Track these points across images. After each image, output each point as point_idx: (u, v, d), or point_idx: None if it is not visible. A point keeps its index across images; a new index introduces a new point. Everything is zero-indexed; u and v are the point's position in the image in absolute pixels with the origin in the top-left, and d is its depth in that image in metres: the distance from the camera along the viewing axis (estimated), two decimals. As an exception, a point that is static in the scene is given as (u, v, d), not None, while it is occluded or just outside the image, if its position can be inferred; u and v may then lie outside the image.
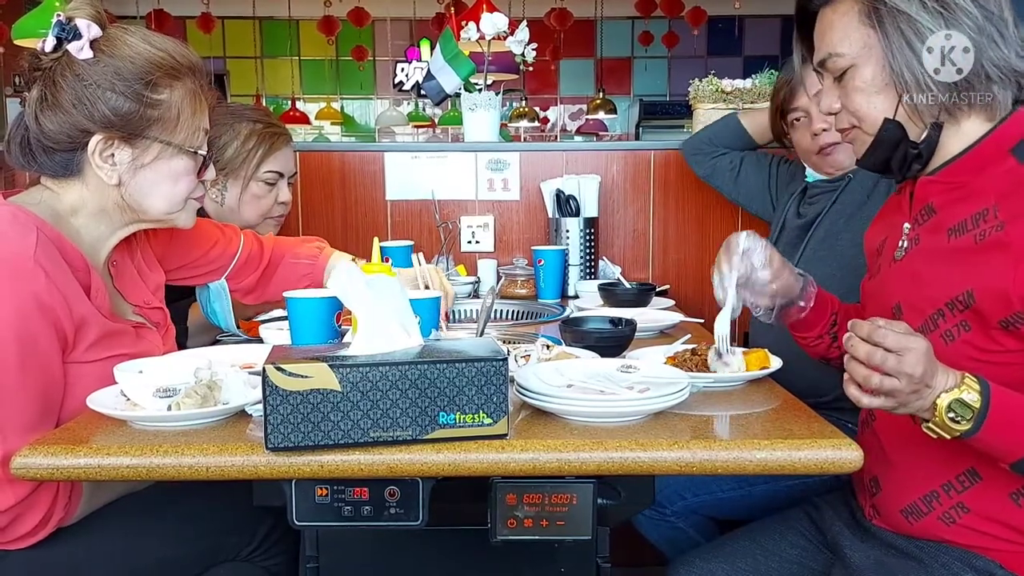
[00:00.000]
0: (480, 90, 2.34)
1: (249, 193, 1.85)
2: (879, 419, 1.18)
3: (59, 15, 1.15)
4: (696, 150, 2.13)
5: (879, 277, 1.23)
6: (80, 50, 1.15)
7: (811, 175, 1.82)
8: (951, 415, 0.94)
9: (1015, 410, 0.96)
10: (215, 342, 1.64)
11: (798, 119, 1.75)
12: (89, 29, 1.15)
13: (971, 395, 0.94)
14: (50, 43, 1.16)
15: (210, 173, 1.31)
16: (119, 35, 1.19)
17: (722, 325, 1.21)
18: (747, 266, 1.20)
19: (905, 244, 1.16)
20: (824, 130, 1.69)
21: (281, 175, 1.90)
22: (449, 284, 1.63)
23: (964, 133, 1.08)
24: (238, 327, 1.63)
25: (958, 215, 1.07)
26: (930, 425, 0.96)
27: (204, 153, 1.27)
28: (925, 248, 1.12)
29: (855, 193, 1.68)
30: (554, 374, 1.13)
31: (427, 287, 1.56)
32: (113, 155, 1.19)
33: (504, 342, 1.44)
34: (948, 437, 0.96)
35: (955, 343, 1.04)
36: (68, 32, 1.14)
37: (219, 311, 1.60)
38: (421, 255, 1.64)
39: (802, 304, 1.28)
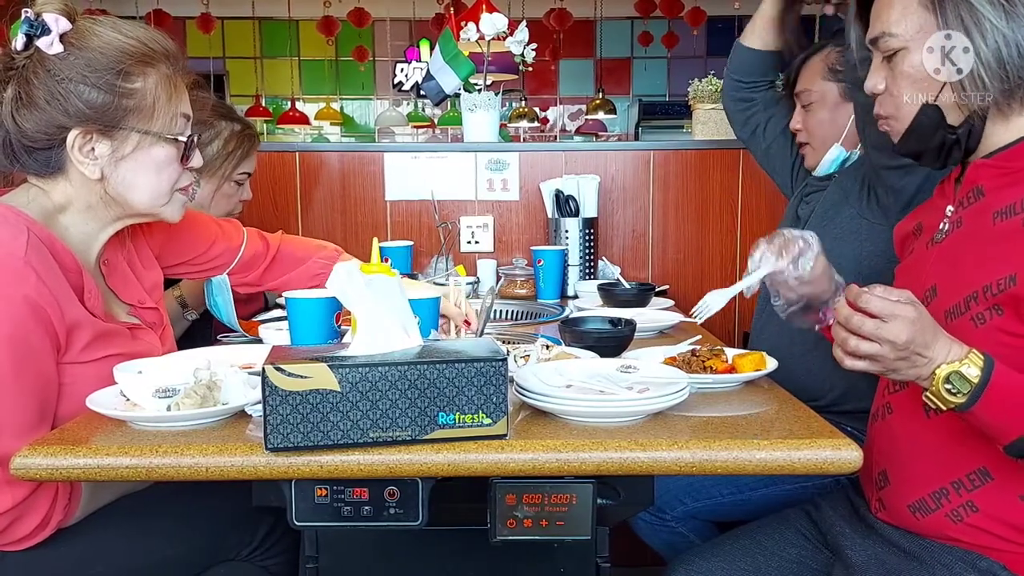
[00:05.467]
0: (480, 90, 2.34)
1: (221, 192, 1.86)
2: (895, 412, 1.17)
3: (27, 11, 1.13)
4: (730, 96, 2.01)
5: (913, 258, 1.22)
6: (50, 45, 1.13)
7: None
8: (947, 386, 0.96)
9: (1015, 391, 0.96)
10: (214, 342, 1.65)
11: (793, 107, 1.79)
12: (57, 23, 1.13)
13: (971, 370, 0.95)
14: (20, 41, 1.13)
15: (196, 160, 1.29)
16: (88, 27, 1.17)
17: (717, 301, 1.23)
18: (788, 266, 1.21)
19: (946, 227, 1.15)
20: (798, 130, 1.76)
21: (250, 175, 1.93)
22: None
23: (1016, 126, 1.07)
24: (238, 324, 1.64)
25: (1007, 199, 1.06)
26: (928, 394, 0.98)
27: (186, 139, 1.25)
28: (968, 231, 1.11)
29: (835, 193, 1.69)
30: (553, 374, 1.13)
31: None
32: (93, 149, 1.17)
33: (504, 342, 1.44)
34: (944, 408, 0.97)
35: (985, 327, 1.03)
36: (37, 28, 1.12)
37: (221, 304, 1.60)
38: (462, 280, 1.58)
39: (820, 317, 1.28)
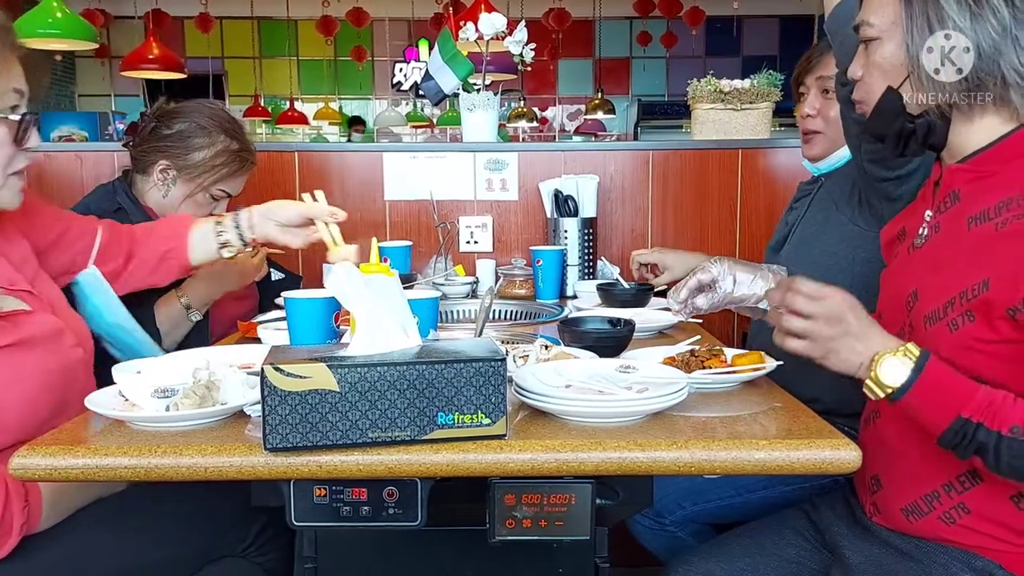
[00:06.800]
0: (478, 90, 2.34)
1: (193, 199, 1.83)
2: (883, 416, 1.18)
3: None
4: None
5: (897, 263, 1.23)
6: None
7: (805, 162, 1.82)
8: (884, 370, 1.00)
9: (946, 385, 0.99)
10: (213, 342, 1.64)
11: (803, 94, 1.76)
12: None
13: (907, 359, 0.99)
14: None
15: (33, 140, 1.19)
16: None
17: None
18: (711, 294, 1.34)
19: (925, 232, 1.16)
20: (809, 115, 1.72)
21: (229, 196, 1.90)
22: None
23: (985, 128, 1.08)
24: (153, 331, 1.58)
25: (981, 204, 1.06)
26: (867, 383, 1.02)
27: (18, 117, 1.15)
28: (945, 236, 1.11)
29: (825, 200, 1.69)
30: (552, 374, 1.13)
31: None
32: None
33: (503, 342, 1.44)
34: (881, 395, 1.01)
35: (959, 332, 1.04)
36: None
37: (101, 306, 1.51)
38: (321, 193, 1.45)
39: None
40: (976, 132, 1.08)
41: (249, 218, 1.51)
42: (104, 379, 1.14)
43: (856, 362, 1.03)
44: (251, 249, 1.62)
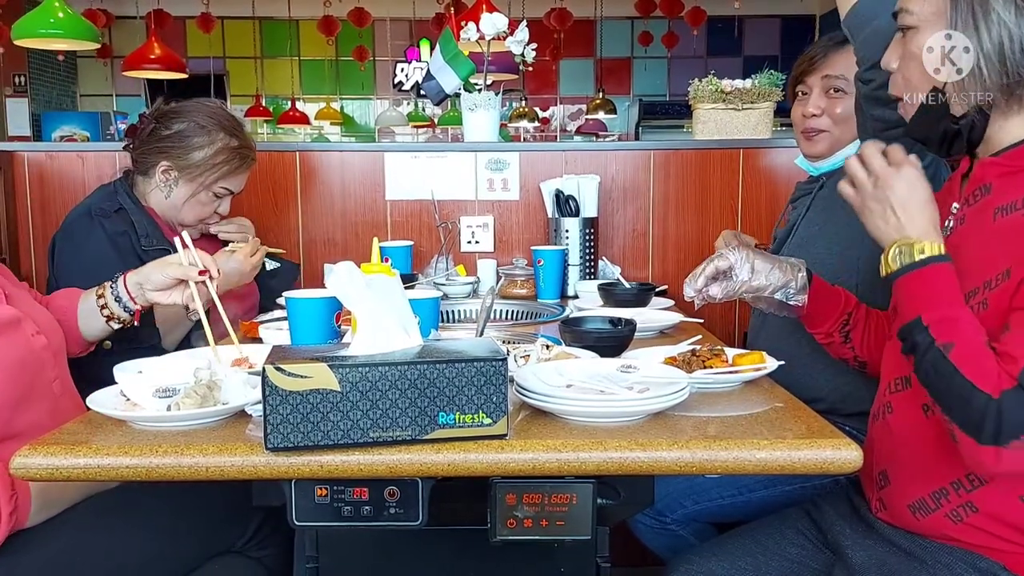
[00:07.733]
0: (480, 90, 2.34)
1: (196, 199, 1.84)
2: (895, 412, 1.17)
3: None
4: None
5: None
6: None
7: (801, 160, 1.82)
8: (896, 250, 1.06)
9: (933, 287, 1.03)
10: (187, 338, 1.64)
11: (805, 93, 1.74)
12: None
13: (920, 254, 1.05)
14: None
15: None
16: None
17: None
18: (726, 283, 1.32)
19: (951, 224, 1.16)
20: (814, 115, 1.70)
21: (232, 193, 1.91)
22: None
23: (1020, 123, 1.08)
24: None
25: (1010, 196, 1.06)
26: (882, 257, 1.09)
27: None
28: (970, 228, 1.12)
29: (827, 199, 1.68)
30: (554, 374, 1.13)
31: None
32: None
33: (504, 342, 1.44)
34: (883, 273, 1.08)
35: None
36: None
37: None
38: (187, 235, 1.40)
39: (797, 300, 1.32)
40: (1013, 128, 1.09)
41: (125, 290, 1.48)
42: (106, 379, 1.13)
43: (885, 232, 1.08)
44: (133, 317, 1.53)
